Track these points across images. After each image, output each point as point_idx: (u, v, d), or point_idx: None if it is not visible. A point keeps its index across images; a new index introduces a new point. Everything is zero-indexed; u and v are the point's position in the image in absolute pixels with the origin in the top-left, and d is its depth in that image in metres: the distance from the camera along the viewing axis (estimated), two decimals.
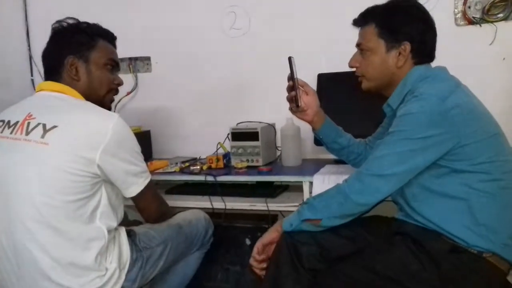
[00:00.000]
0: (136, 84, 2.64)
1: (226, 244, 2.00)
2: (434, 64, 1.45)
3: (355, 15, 1.49)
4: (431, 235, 1.30)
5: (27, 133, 1.36)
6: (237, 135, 2.08)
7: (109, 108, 1.57)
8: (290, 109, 1.63)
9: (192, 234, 1.73)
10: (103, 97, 1.54)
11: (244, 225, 2.01)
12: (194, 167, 2.08)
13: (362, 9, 1.47)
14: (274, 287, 1.37)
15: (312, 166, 1.98)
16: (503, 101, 1.99)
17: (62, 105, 1.41)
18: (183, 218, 1.74)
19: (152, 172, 1.68)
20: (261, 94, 2.37)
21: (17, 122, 1.39)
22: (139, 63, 2.65)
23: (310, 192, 1.78)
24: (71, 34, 1.49)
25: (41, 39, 1.53)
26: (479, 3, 2.03)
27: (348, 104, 2.02)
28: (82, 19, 1.55)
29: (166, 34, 2.54)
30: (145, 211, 1.56)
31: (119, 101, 2.56)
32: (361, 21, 1.47)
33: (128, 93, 2.61)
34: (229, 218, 1.99)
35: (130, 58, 2.63)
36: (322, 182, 1.74)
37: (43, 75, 1.55)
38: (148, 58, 2.63)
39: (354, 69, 1.52)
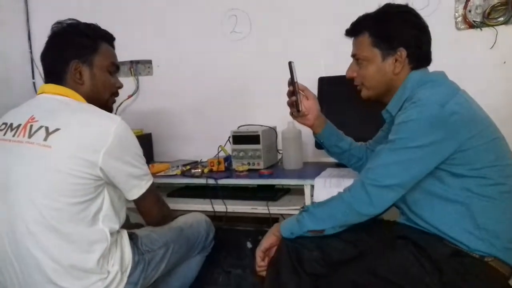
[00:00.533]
0: (138, 87, 2.65)
1: (227, 247, 2.00)
2: (434, 67, 1.45)
3: (355, 18, 1.48)
4: (432, 240, 1.30)
5: (30, 136, 1.36)
6: (238, 138, 2.09)
7: (111, 111, 1.57)
8: (291, 114, 1.63)
9: (193, 237, 1.74)
10: (106, 100, 1.56)
11: (245, 228, 2.01)
12: (196, 170, 2.08)
13: (362, 12, 1.47)
14: None
15: (313, 170, 1.98)
16: (504, 105, 2.00)
17: (64, 108, 1.42)
18: (185, 221, 1.74)
19: (153, 175, 1.68)
20: (262, 97, 2.37)
21: (20, 125, 1.40)
22: (141, 66, 2.66)
23: (312, 196, 1.78)
24: (73, 37, 1.49)
25: (43, 42, 1.53)
26: (479, 7, 2.04)
27: (349, 107, 2.02)
28: (83, 21, 1.55)
29: (167, 37, 2.55)
30: (146, 213, 1.56)
31: (120, 104, 2.57)
32: (354, 31, 1.47)
33: (130, 96, 2.62)
34: (230, 221, 1.99)
35: (131, 61, 2.63)
36: (323, 186, 1.75)
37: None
38: (149, 61, 2.64)
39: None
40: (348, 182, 1.48)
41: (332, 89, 2.10)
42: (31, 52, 2.80)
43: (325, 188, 1.73)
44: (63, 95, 1.45)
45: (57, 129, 1.34)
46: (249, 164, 2.07)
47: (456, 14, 2.08)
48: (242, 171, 2.03)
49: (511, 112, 1.98)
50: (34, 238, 1.32)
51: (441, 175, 1.29)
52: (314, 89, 2.06)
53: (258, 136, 2.06)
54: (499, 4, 2.01)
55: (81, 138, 1.33)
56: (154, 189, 1.53)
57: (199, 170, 2.07)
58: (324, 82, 2.14)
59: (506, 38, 2.01)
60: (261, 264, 1.45)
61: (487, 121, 1.34)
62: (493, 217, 1.27)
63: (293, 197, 1.96)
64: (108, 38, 1.57)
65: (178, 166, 2.20)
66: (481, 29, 2.04)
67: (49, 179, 1.32)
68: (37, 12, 2.79)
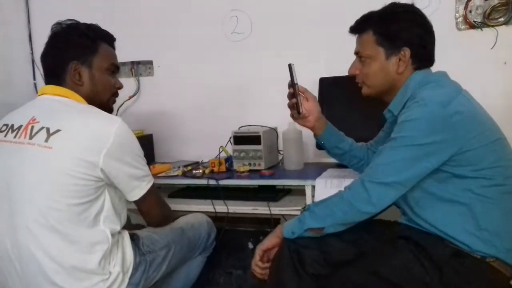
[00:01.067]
0: (138, 88, 2.65)
1: (229, 248, 2.00)
2: (435, 68, 1.45)
3: (356, 18, 1.49)
4: (434, 240, 1.30)
5: (31, 137, 1.36)
6: (239, 139, 2.09)
7: (111, 111, 1.58)
8: (292, 116, 1.63)
9: (194, 238, 1.74)
10: (106, 101, 1.56)
11: (246, 229, 2.01)
12: (197, 171, 2.08)
13: (363, 12, 1.47)
14: None
15: (314, 170, 1.98)
16: (504, 106, 1.99)
17: (65, 109, 1.42)
18: (186, 222, 1.75)
19: (154, 176, 1.69)
20: (263, 98, 2.37)
21: (21, 126, 1.40)
22: (141, 67, 2.65)
23: (313, 196, 1.78)
24: (73, 37, 1.49)
25: (43, 43, 1.53)
26: (480, 7, 2.04)
27: (349, 108, 2.02)
28: (83, 22, 1.55)
29: (169, 37, 2.55)
30: (147, 214, 1.56)
31: (121, 105, 2.57)
32: (358, 28, 1.46)
33: (130, 97, 2.62)
34: (231, 222, 1.99)
35: (132, 62, 2.63)
36: (324, 186, 1.75)
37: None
38: (150, 62, 2.64)
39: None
40: (349, 183, 1.48)
41: (333, 90, 2.11)
42: (32, 53, 2.80)
43: (326, 188, 1.73)
44: (63, 96, 1.46)
45: (58, 130, 1.35)
46: (250, 164, 2.06)
47: (457, 14, 2.08)
48: (243, 172, 2.03)
49: (511, 113, 1.99)
50: (35, 239, 1.32)
51: (443, 176, 1.29)
52: (314, 89, 2.07)
53: (259, 136, 2.06)
54: (499, 4, 2.01)
55: (82, 139, 1.34)
56: (155, 190, 1.53)
57: (200, 171, 2.07)
58: (325, 83, 2.14)
59: (507, 39, 2.01)
60: (258, 263, 1.45)
61: (489, 122, 1.34)
62: (494, 218, 1.27)
63: (294, 197, 1.96)
64: (109, 39, 1.57)
65: (179, 167, 2.20)
66: (481, 30, 2.04)
67: (50, 180, 1.32)
68: (38, 13, 2.78)
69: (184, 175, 2.09)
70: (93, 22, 1.57)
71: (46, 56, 1.51)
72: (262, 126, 2.15)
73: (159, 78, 2.63)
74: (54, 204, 1.31)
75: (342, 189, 1.39)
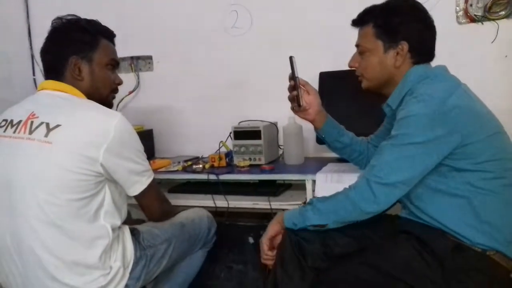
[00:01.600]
0: (138, 83, 2.65)
1: (229, 242, 1.99)
2: (435, 62, 1.45)
3: (358, 13, 1.49)
4: (435, 234, 1.30)
5: (31, 132, 1.36)
6: (240, 134, 2.09)
7: (111, 106, 1.57)
8: (292, 108, 1.63)
9: (195, 233, 1.74)
10: (106, 96, 1.56)
11: (247, 224, 2.01)
12: (197, 166, 2.08)
13: (364, 7, 1.47)
14: (280, 285, 1.36)
15: (315, 165, 1.98)
16: (505, 99, 1.99)
17: (65, 104, 1.41)
18: (186, 216, 1.74)
19: (154, 171, 1.68)
20: (263, 93, 2.36)
21: (20, 121, 1.40)
22: (141, 62, 2.65)
23: (313, 191, 1.78)
24: (73, 33, 1.49)
25: (43, 38, 1.52)
26: (481, 1, 2.03)
27: (350, 102, 2.02)
28: (83, 17, 1.55)
29: (168, 33, 2.55)
30: (148, 209, 1.56)
31: (121, 100, 2.57)
32: (360, 21, 1.47)
33: (130, 92, 2.62)
34: (232, 217, 1.99)
35: (131, 57, 2.63)
36: (324, 181, 1.75)
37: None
38: (149, 57, 2.63)
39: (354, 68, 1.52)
40: (349, 177, 1.48)
41: (333, 84, 2.10)
42: (31, 48, 2.79)
43: (327, 183, 1.73)
44: (63, 91, 1.45)
45: (58, 125, 1.34)
46: (250, 159, 2.07)
47: (457, 8, 2.07)
48: (243, 167, 2.03)
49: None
50: (36, 235, 1.32)
51: (443, 169, 1.29)
52: (315, 84, 2.06)
53: (259, 131, 2.06)
54: None
55: (82, 134, 1.33)
56: (155, 185, 1.53)
57: (201, 166, 2.08)
58: (325, 77, 2.14)
59: (508, 32, 2.00)
60: (268, 253, 1.45)
61: (489, 115, 1.34)
62: (495, 210, 1.27)
63: (294, 192, 1.96)
64: (109, 35, 1.57)
65: (179, 162, 2.20)
66: (482, 23, 2.03)
67: (50, 176, 1.32)
68: (38, 8, 2.78)
69: (184, 170, 2.10)
70: (93, 17, 1.56)
71: (46, 51, 1.51)
72: (262, 121, 2.15)
73: (159, 73, 2.63)
74: (54, 199, 1.31)
75: (343, 183, 1.39)
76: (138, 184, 1.46)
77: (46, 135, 1.34)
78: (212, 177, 1.97)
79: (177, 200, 1.92)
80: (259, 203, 1.87)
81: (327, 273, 1.36)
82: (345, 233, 1.42)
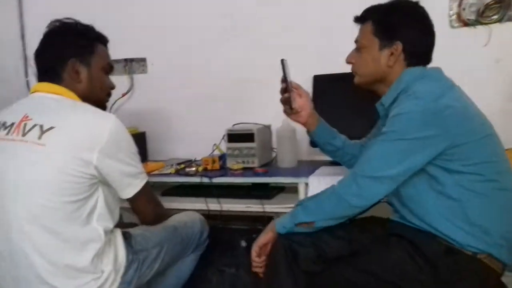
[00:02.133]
0: (132, 85, 2.64)
1: (222, 246, 1.99)
2: (429, 65, 1.45)
3: (351, 16, 1.50)
4: (426, 237, 1.31)
5: (24, 134, 1.35)
6: (233, 137, 2.08)
7: (105, 109, 1.57)
8: (284, 111, 1.64)
9: (187, 236, 1.73)
10: (102, 99, 1.57)
11: (239, 227, 2.01)
12: (190, 169, 2.08)
13: (358, 11, 1.48)
14: None
15: (308, 168, 1.98)
16: (497, 103, 2.01)
17: (58, 107, 1.41)
18: (179, 220, 1.74)
19: (147, 174, 1.68)
20: (257, 96, 2.36)
21: (13, 123, 1.39)
22: (135, 64, 2.64)
23: (306, 194, 1.78)
24: (72, 36, 1.50)
25: (36, 40, 1.52)
26: (473, 5, 2.04)
27: (343, 105, 2.03)
28: (78, 19, 1.56)
29: (162, 35, 2.54)
30: (141, 212, 1.56)
31: (114, 102, 2.56)
32: (361, 18, 1.48)
33: (124, 95, 2.61)
34: (224, 220, 1.99)
35: (125, 60, 2.62)
36: (317, 184, 1.75)
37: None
38: (143, 59, 2.63)
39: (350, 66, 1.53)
40: None
41: (327, 87, 2.11)
42: (24, 50, 2.78)
43: (320, 186, 1.72)
44: (57, 94, 1.45)
45: (51, 127, 1.34)
46: (243, 162, 2.06)
47: (451, 12, 2.08)
48: (236, 170, 2.03)
49: (504, 110, 2.00)
50: (28, 237, 1.31)
51: (434, 171, 1.29)
52: (309, 87, 2.07)
53: (252, 134, 2.06)
54: (493, 2, 2.01)
55: (76, 136, 1.33)
56: (148, 187, 1.52)
57: (194, 169, 2.07)
58: (319, 80, 2.14)
59: (500, 36, 2.02)
60: (256, 259, 1.45)
61: (481, 118, 1.35)
62: (485, 214, 1.28)
63: (287, 195, 1.96)
64: (103, 40, 1.58)
65: (172, 165, 2.19)
66: (475, 27, 2.05)
67: (44, 178, 1.31)
68: (31, 10, 2.77)
69: (178, 173, 2.09)
70: (87, 19, 1.57)
71: (42, 53, 1.50)
72: (255, 123, 2.15)
73: (153, 75, 2.62)
74: (48, 202, 1.31)
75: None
76: (132, 187, 1.45)
77: (39, 137, 1.33)
78: (205, 180, 1.96)
79: (170, 203, 1.91)
80: (252, 206, 1.87)
81: (320, 277, 1.36)
82: (337, 236, 1.43)
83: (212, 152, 2.20)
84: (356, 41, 1.49)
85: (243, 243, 1.98)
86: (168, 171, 2.11)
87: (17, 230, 1.32)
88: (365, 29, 1.45)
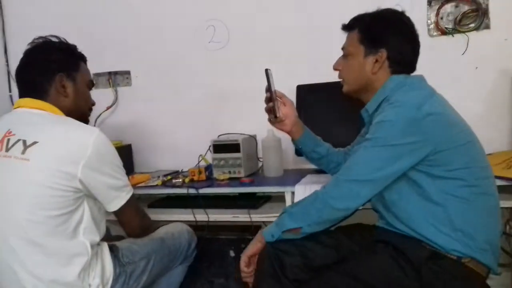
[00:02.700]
0: (116, 98, 2.64)
1: (210, 256, 1.99)
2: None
3: (336, 27, 1.53)
4: (411, 242, 1.32)
5: (7, 150, 1.35)
6: (219, 147, 2.09)
7: (87, 123, 1.58)
8: (269, 120, 1.65)
9: (175, 248, 1.73)
10: (85, 114, 1.59)
11: (227, 237, 2.01)
12: (176, 180, 2.08)
13: (343, 21, 1.51)
14: None
15: (294, 176, 1.99)
16: (476, 109, 2.05)
17: (42, 121, 1.41)
18: (166, 231, 1.74)
19: (134, 186, 1.68)
20: (242, 106, 2.38)
21: None
22: (119, 77, 2.64)
23: (292, 202, 1.78)
24: (58, 52, 1.52)
25: (19, 55, 1.52)
26: (451, 14, 2.09)
27: (327, 114, 2.05)
28: (62, 34, 1.59)
29: (146, 48, 2.55)
30: (127, 225, 1.55)
31: (99, 115, 2.56)
32: (348, 26, 1.51)
33: (108, 108, 2.61)
34: (212, 230, 1.99)
35: (109, 73, 2.62)
36: (303, 192, 1.75)
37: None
38: (128, 72, 2.63)
39: (337, 74, 1.55)
40: None
41: (311, 97, 2.13)
42: (7, 65, 2.76)
43: (306, 194, 1.71)
44: (41, 109, 1.45)
45: (35, 142, 1.34)
46: (230, 172, 2.07)
47: (429, 21, 2.13)
48: (223, 180, 2.04)
49: (483, 116, 2.04)
50: (14, 253, 1.31)
51: (417, 176, 1.31)
52: (292, 96, 2.09)
53: (238, 144, 2.07)
54: (470, 11, 2.06)
55: (60, 150, 1.33)
56: (134, 200, 1.52)
57: (180, 180, 2.07)
58: (302, 90, 2.17)
59: (477, 44, 2.07)
60: (244, 270, 1.46)
61: (462, 125, 1.37)
62: (468, 218, 1.30)
63: (274, 204, 1.96)
64: (84, 59, 1.62)
65: (159, 177, 2.19)
66: (453, 36, 2.10)
67: (28, 192, 1.31)
68: (14, 26, 2.75)
69: (164, 184, 2.09)
70: (70, 31, 1.59)
71: (27, 68, 1.51)
72: (241, 134, 2.16)
73: (137, 88, 2.62)
74: (33, 216, 1.30)
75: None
76: (117, 200, 1.45)
77: (23, 152, 1.33)
78: (192, 191, 1.96)
79: (157, 215, 1.91)
80: (239, 216, 1.87)
81: (307, 284, 1.36)
82: (324, 244, 1.44)
83: (198, 163, 2.20)
84: (343, 48, 1.52)
85: (232, 253, 1.98)
86: (155, 183, 2.10)
87: (3, 246, 1.31)
88: (352, 36, 1.48)
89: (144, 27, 2.54)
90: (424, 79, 1.45)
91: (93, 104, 1.65)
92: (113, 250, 1.52)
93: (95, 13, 2.61)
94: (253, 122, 2.16)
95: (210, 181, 2.08)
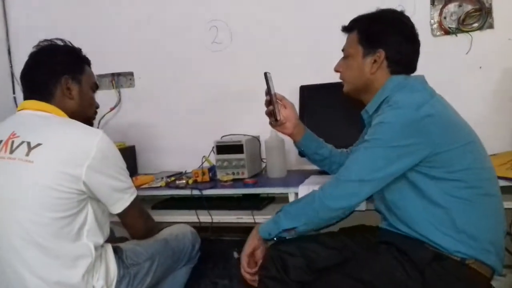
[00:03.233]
0: (120, 99, 2.64)
1: (214, 258, 1.99)
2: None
3: (337, 28, 1.53)
4: (414, 244, 1.32)
5: (12, 152, 1.36)
6: (222, 148, 2.09)
7: (91, 126, 1.58)
8: (270, 123, 1.65)
9: (179, 249, 1.73)
10: (90, 116, 1.60)
11: (231, 238, 2.01)
12: (180, 181, 2.08)
13: (343, 22, 1.51)
14: None
15: (297, 177, 1.99)
16: (480, 109, 2.04)
17: (46, 123, 1.42)
18: (170, 233, 1.74)
19: (137, 188, 1.68)
20: (245, 107, 2.38)
21: (1, 141, 1.40)
22: (122, 79, 2.65)
23: None
24: (63, 54, 1.53)
25: (23, 57, 1.53)
26: (454, 13, 2.09)
27: (330, 115, 2.05)
28: (65, 36, 1.59)
29: (149, 49, 2.55)
30: (131, 227, 1.56)
31: (102, 117, 2.56)
32: (348, 28, 1.51)
33: (112, 109, 2.61)
34: (216, 232, 1.99)
35: (112, 74, 2.63)
36: (307, 193, 1.75)
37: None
38: (131, 73, 2.63)
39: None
40: None
41: (314, 97, 2.13)
42: (11, 67, 2.77)
43: None
44: (45, 111, 1.45)
45: (39, 144, 1.34)
46: (233, 173, 2.07)
47: (432, 21, 2.12)
48: (226, 181, 2.04)
49: (487, 116, 2.03)
50: (18, 254, 1.31)
51: (418, 178, 1.31)
52: (295, 97, 2.09)
53: (241, 145, 2.07)
54: (473, 10, 2.06)
55: (64, 152, 1.33)
56: (138, 202, 1.53)
57: (184, 181, 2.07)
58: (305, 91, 2.17)
59: (481, 44, 2.06)
60: (247, 269, 1.46)
61: (463, 125, 1.37)
62: (471, 219, 1.29)
63: (278, 205, 1.95)
64: (89, 62, 1.63)
65: (162, 178, 2.19)
66: (456, 35, 2.09)
67: (32, 194, 1.31)
68: (17, 28, 2.76)
69: (168, 186, 2.09)
70: (74, 33, 1.60)
71: (33, 70, 1.51)
72: (244, 135, 2.16)
73: (140, 89, 2.62)
74: (37, 218, 1.31)
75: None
76: (121, 202, 1.46)
77: (27, 154, 1.34)
78: (196, 192, 1.96)
79: (160, 216, 1.92)
80: (243, 217, 1.87)
81: (310, 286, 1.36)
82: (327, 245, 1.44)
83: (201, 164, 2.21)
84: (343, 50, 1.52)
85: (235, 254, 1.98)
86: (158, 184, 2.11)
87: (7, 247, 1.32)
88: (351, 38, 1.48)
89: (146, 28, 2.55)
90: (425, 80, 1.44)
91: (97, 107, 1.66)
92: (117, 251, 1.52)
93: (98, 15, 2.61)
94: (256, 123, 2.15)
95: (214, 182, 2.08)
